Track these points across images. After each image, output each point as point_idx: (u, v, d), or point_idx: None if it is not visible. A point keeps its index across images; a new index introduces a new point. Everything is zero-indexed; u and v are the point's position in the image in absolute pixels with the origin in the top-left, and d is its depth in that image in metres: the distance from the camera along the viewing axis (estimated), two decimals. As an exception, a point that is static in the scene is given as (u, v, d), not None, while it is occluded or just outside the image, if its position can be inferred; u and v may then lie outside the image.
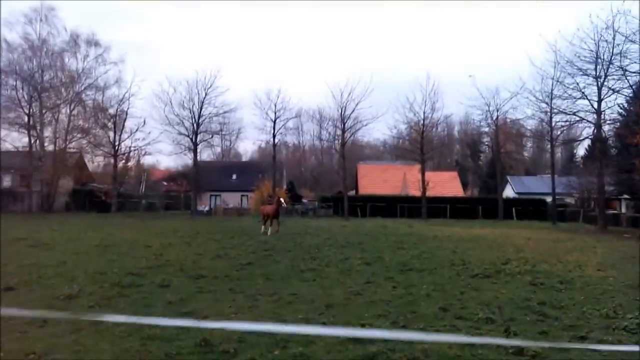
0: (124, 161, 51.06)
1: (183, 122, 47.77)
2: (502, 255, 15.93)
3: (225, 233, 23.74)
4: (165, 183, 62.27)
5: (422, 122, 46.58)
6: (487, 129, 53.49)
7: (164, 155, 75.28)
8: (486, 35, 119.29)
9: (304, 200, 59.42)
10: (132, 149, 51.11)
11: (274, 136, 47.02)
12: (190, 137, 47.79)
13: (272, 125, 46.65)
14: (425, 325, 7.10)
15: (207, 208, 52.09)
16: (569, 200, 53.00)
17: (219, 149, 75.82)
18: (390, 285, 10.31)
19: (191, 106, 47.53)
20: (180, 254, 15.14)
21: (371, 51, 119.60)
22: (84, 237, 20.51)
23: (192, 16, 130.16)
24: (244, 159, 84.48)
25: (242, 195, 57.28)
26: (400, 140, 51.69)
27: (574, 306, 8.38)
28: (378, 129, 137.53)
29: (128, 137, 50.23)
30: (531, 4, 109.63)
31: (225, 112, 49.11)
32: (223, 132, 54.25)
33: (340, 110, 46.86)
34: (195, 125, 47.46)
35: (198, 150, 52.79)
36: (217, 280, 10.79)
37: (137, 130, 49.73)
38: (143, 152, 52.37)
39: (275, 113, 46.42)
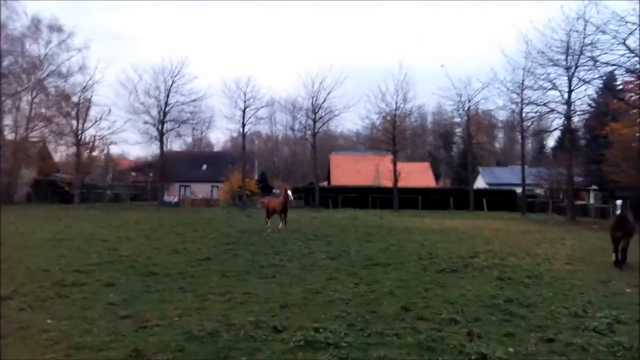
0: (88, 151, 49.39)
1: (149, 111, 46.50)
2: (470, 248, 15.61)
3: (188, 225, 22.93)
4: (133, 173, 60.71)
5: (394, 112, 46.27)
6: (459, 120, 53.57)
7: (130, 144, 73.53)
8: (458, 25, 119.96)
9: (275, 191, 58.70)
10: (96, 138, 49.52)
11: (243, 126, 45.99)
12: (157, 126, 46.49)
13: (242, 114, 45.60)
14: (385, 328, 6.59)
15: (175, 199, 50.95)
16: (539, 191, 53.54)
17: (189, 139, 74.33)
18: (353, 282, 9.79)
19: (157, 94, 46.26)
20: (136, 248, 14.38)
21: (343, 40, 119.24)
22: (38, 230, 19.50)
23: (160, 3, 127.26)
24: (215, 149, 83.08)
25: (212, 186, 56.25)
26: (373, 131, 51.28)
27: (542, 304, 7.99)
28: (350, 120, 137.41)
29: (92, 125, 48.67)
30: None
31: (193, 101, 47.86)
32: (192, 122, 52.96)
33: (311, 100, 46.23)
34: (161, 114, 46.17)
35: (167, 140, 51.56)
36: (168, 277, 10.13)
37: (101, 118, 48.21)
38: (108, 142, 50.83)
39: (244, 102, 45.40)
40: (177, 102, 47.15)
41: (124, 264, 11.54)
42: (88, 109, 48.12)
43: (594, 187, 43.43)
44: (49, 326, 6.51)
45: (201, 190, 56.02)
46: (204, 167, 60.13)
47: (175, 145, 64.41)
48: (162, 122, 46.45)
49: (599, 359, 5.54)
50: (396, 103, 45.97)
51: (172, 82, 46.16)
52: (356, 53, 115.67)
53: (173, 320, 6.91)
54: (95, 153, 51.29)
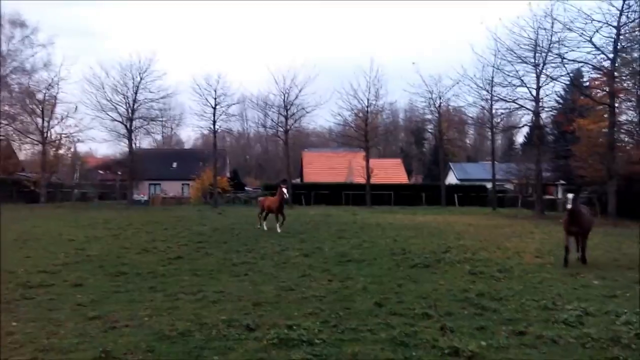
0: (54, 149, 48.10)
1: (117, 108, 45.50)
2: (442, 243, 15.75)
3: (159, 224, 22.55)
4: (101, 172, 59.42)
5: (366, 109, 46.40)
6: (430, 117, 54.03)
7: (97, 142, 71.97)
8: (429, 22, 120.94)
9: (247, 189, 58.31)
10: (62, 136, 48.19)
11: (214, 123, 45.36)
12: (125, 123, 45.60)
13: (213, 111, 45.02)
14: (358, 324, 6.57)
15: (145, 197, 50.11)
16: (508, 186, 54.46)
17: (159, 137, 73.21)
18: (326, 279, 9.77)
19: (125, 91, 45.31)
20: (104, 248, 14.08)
21: (314, 37, 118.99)
22: (3, 230, 18.88)
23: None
24: (186, 146, 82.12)
25: (183, 184, 55.55)
26: (346, 128, 51.33)
27: (513, 297, 8.09)
28: (323, 116, 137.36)
29: (58, 123, 47.29)
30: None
31: (162, 98, 47.07)
32: (162, 119, 52.08)
33: (283, 97, 45.97)
34: (130, 111, 45.28)
35: (136, 137, 50.57)
36: (138, 277, 9.94)
37: (67, 116, 46.93)
38: (75, 140, 49.58)
39: (215, 99, 44.80)
40: (145, 99, 46.33)
41: (92, 264, 11.28)
42: (54, 106, 46.74)
43: (561, 181, 44.34)
44: (14, 329, 6.31)
45: (172, 188, 55.26)
46: (174, 164, 59.31)
47: (145, 142, 63.39)
48: (131, 119, 45.58)
49: (568, 350, 5.62)
50: (368, 100, 46.14)
51: (141, 79, 45.33)
52: (328, 49, 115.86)
53: (143, 321, 6.78)
54: (61, 151, 50.02)
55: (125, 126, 45.80)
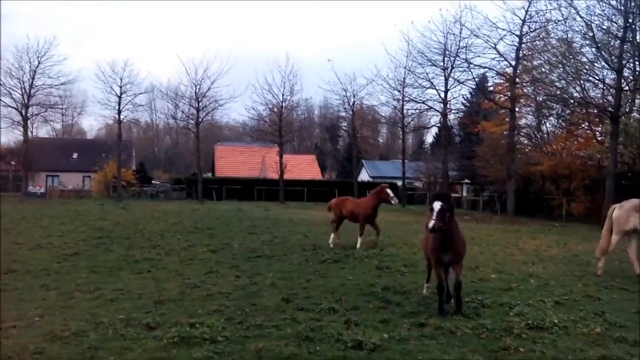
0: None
1: (11, 93, 41.96)
2: (352, 239, 15.90)
3: (55, 218, 21.05)
4: (-7, 162, 54.59)
5: (281, 104, 46.23)
6: (344, 114, 54.89)
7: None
8: (344, 21, 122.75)
9: (155, 182, 56.14)
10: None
11: (119, 112, 43.01)
12: (20, 110, 42.17)
13: (117, 100, 42.63)
14: (264, 320, 6.46)
15: (41, 190, 46.72)
16: (418, 184, 56.65)
17: (59, 125, 68.47)
18: (234, 275, 9.56)
19: (21, 75, 41.85)
20: (-9, 244, 12.86)
21: (228, 28, 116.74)
22: None
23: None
24: (89, 136, 77.44)
25: (84, 176, 52.35)
26: (260, 122, 50.84)
27: (416, 291, 8.33)
28: (236, 110, 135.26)
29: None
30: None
31: (62, 84, 43.94)
32: (62, 106, 48.67)
33: (194, 88, 44.59)
34: (26, 97, 41.92)
35: (32, 125, 46.96)
36: (29, 275, 9.24)
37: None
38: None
39: (120, 87, 42.51)
40: (44, 84, 43.07)
41: (-25, 262, 10.26)
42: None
43: (466, 180, 46.83)
44: None
45: (71, 180, 51.83)
46: (75, 155, 55.74)
47: (43, 131, 59.08)
48: (27, 106, 42.21)
49: (465, 340, 5.85)
50: (283, 95, 45.95)
51: (39, 63, 42.06)
52: (242, 41, 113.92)
53: (33, 321, 6.33)
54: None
55: (20, 113, 42.37)
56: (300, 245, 14.20)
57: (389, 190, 14.04)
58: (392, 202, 14.05)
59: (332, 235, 14.45)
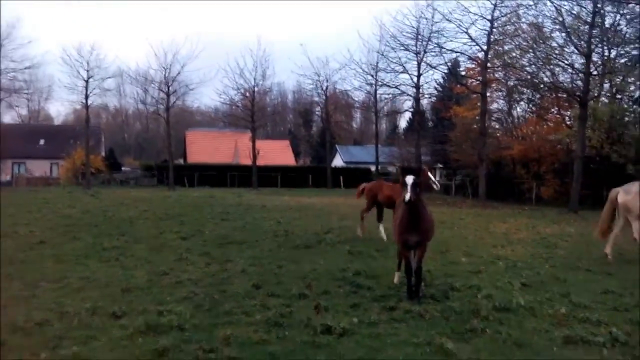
0: None
1: (-28, 78, 40.48)
2: (325, 225, 15.93)
3: (21, 206, 20.47)
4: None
5: (253, 88, 45.74)
6: (317, 99, 54.69)
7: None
8: (316, 4, 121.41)
9: (124, 169, 55.18)
10: None
11: (86, 97, 41.81)
12: (-18, 95, 40.83)
13: (84, 84, 41.48)
14: (234, 307, 6.41)
15: (8, 177, 45.48)
16: (391, 169, 56.99)
17: (24, 111, 66.46)
18: (204, 262, 9.45)
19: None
20: (-49, 233, 12.44)
21: (197, 11, 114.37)
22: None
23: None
24: (56, 122, 75.42)
25: (51, 163, 51.11)
26: (233, 107, 50.22)
27: (387, 275, 8.35)
28: (207, 95, 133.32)
29: None
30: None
31: (27, 68, 42.52)
32: (27, 91, 47.18)
33: (164, 73, 43.67)
34: (-12, 81, 40.53)
35: (-5, 110, 45.47)
36: (-8, 265, 8.89)
37: None
38: None
39: (87, 71, 41.33)
40: (6, 68, 41.59)
41: None
42: None
43: (439, 165, 47.23)
44: None
45: (38, 167, 50.48)
46: (42, 142, 54.28)
47: (7, 117, 57.31)
48: (-11, 91, 40.83)
49: (433, 323, 5.89)
50: (255, 79, 45.45)
51: (1, 46, 40.58)
52: (213, 24, 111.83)
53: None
54: None
55: (-17, 98, 41.02)
56: (272, 231, 14.11)
57: (429, 173, 11.77)
58: (435, 186, 12.12)
59: (359, 227, 13.33)
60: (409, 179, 6.65)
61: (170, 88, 43.26)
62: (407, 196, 6.55)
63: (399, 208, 7.25)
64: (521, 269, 9.18)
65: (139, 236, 12.62)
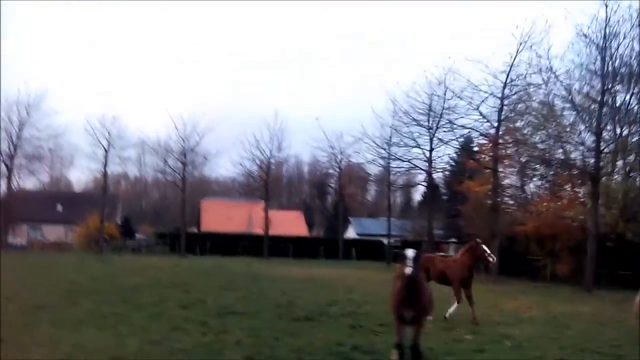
0: None
1: (-1, 144, 42.06)
2: (330, 296, 15.66)
3: (30, 270, 20.52)
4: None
5: (268, 160, 46.55)
6: (332, 171, 55.20)
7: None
8: (332, 81, 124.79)
9: (138, 236, 55.45)
10: None
11: (105, 165, 43.12)
12: (5, 161, 42.06)
13: (104, 153, 42.70)
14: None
15: (22, 242, 45.90)
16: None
17: (45, 178, 67.90)
18: (200, 332, 9.23)
19: (10, 127, 42.06)
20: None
21: (217, 86, 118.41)
22: None
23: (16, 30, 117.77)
24: (76, 189, 76.87)
25: (67, 229, 51.65)
26: (249, 178, 50.93)
27: (386, 351, 8.03)
28: (223, 165, 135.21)
29: None
30: (372, 56, 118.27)
31: (50, 137, 44.17)
32: (48, 159, 48.62)
33: (182, 144, 44.85)
34: (12, 148, 41.90)
35: (18, 176, 46.64)
36: (-15, 329, 8.79)
37: None
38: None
39: (108, 141, 42.72)
40: (31, 136, 43.21)
41: None
42: None
43: (453, 239, 46.64)
44: None
45: (54, 232, 51.01)
46: (59, 207, 55.19)
47: (29, 183, 58.74)
48: (11, 157, 42.12)
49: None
50: (270, 151, 46.35)
51: (28, 115, 42.36)
52: (230, 98, 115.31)
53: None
54: None
55: (5, 164, 42.23)
56: (275, 301, 13.86)
57: (484, 246, 11.84)
58: (490, 259, 11.97)
59: None
60: (410, 253, 6.59)
61: (187, 158, 44.30)
62: (408, 270, 6.45)
63: (398, 280, 7.11)
64: (527, 349, 8.81)
65: (140, 303, 12.47)
